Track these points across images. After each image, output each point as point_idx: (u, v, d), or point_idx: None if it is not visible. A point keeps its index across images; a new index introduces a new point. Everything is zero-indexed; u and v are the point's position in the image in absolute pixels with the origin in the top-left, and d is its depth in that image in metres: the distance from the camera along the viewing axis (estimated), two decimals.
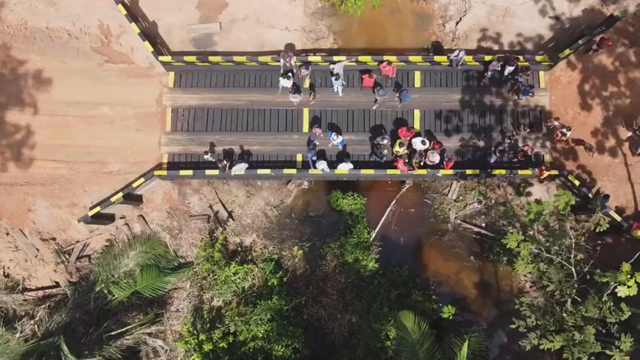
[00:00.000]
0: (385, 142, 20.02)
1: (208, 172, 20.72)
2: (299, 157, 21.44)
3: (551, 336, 16.72)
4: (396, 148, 20.04)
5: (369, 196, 22.90)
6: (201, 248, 21.31)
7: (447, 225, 23.17)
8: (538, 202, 17.38)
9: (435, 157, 20.06)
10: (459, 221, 23.10)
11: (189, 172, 20.78)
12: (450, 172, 20.50)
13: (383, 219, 23.14)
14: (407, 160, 20.57)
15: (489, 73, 21.06)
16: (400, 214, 23.34)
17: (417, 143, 19.97)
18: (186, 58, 21.01)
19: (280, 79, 20.51)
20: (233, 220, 22.87)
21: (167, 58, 21.16)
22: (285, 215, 23.33)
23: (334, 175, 21.05)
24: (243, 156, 21.06)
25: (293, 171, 20.63)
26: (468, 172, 20.52)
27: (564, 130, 20.24)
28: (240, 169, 20.17)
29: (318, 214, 23.42)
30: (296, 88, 20.54)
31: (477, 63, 21.38)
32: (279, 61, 20.85)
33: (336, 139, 20.24)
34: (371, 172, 20.58)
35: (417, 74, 21.81)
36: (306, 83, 21.14)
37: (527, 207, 17.96)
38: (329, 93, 21.75)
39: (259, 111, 21.87)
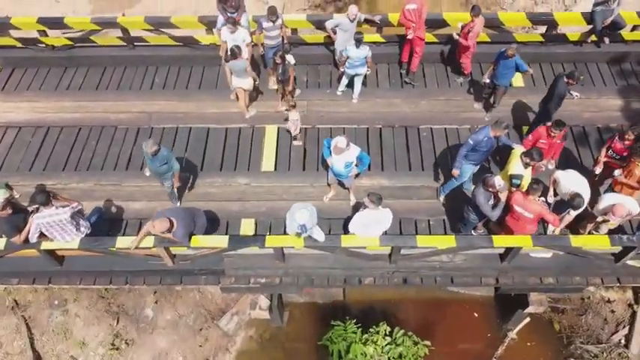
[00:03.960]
0: (498, 183, 6.75)
1: None
2: (246, 225, 8.23)
3: None
4: (513, 169, 7.05)
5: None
6: None
7: None
8: None
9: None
10: None
11: None
12: None
13: None
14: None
15: None
16: None
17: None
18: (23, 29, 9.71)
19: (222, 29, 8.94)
20: None
21: None
22: None
23: (340, 262, 7.56)
24: (96, 211, 7.88)
25: (219, 242, 7.14)
26: None
27: None
28: (49, 222, 6.72)
29: None
30: (237, 51, 8.57)
31: None
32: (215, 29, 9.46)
33: (343, 155, 7.40)
34: (447, 241, 7.07)
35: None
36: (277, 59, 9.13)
37: None
38: (326, 97, 9.82)
39: (163, 132, 9.50)
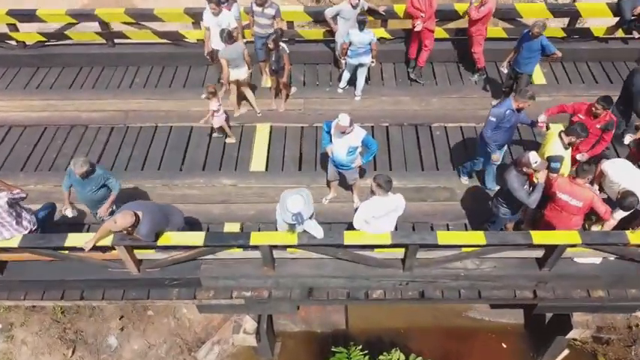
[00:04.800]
0: (534, 160, 5.46)
1: None
2: (230, 229, 6.88)
3: None
4: (551, 150, 5.84)
5: None
6: None
7: None
8: None
9: None
10: None
11: None
12: None
13: None
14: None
15: None
16: None
17: None
18: None
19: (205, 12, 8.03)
20: None
21: None
22: None
23: (342, 269, 6.14)
24: (47, 206, 6.53)
25: (192, 239, 5.78)
26: None
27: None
28: None
29: None
30: (228, 35, 7.57)
31: None
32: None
33: (346, 137, 6.21)
34: (474, 238, 5.72)
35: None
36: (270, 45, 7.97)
37: None
38: (326, 95, 8.82)
39: (140, 131, 8.37)
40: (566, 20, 9.20)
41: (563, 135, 5.82)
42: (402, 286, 6.30)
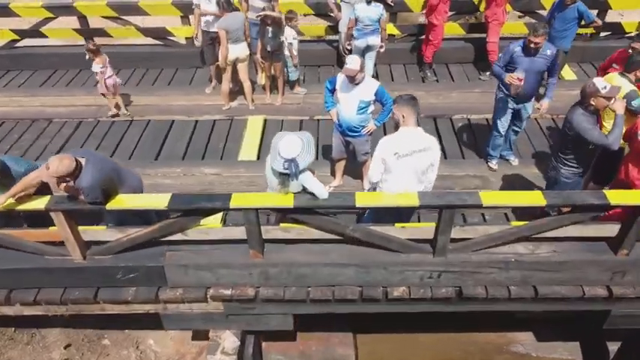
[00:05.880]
0: (602, 85, 4.15)
1: None
2: (211, 220, 5.39)
3: None
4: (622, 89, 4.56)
5: None
6: None
7: None
8: None
9: None
10: None
11: None
12: None
13: None
14: None
15: None
16: None
17: None
18: None
19: None
20: None
21: None
22: None
23: (352, 255, 4.61)
24: None
25: (154, 202, 4.31)
26: None
27: None
28: None
29: None
30: (226, 1, 6.64)
31: None
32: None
33: (356, 89, 4.99)
34: (531, 198, 4.23)
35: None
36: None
37: None
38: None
39: (112, 125, 7.19)
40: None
41: (625, 74, 4.63)
42: (432, 279, 4.74)
